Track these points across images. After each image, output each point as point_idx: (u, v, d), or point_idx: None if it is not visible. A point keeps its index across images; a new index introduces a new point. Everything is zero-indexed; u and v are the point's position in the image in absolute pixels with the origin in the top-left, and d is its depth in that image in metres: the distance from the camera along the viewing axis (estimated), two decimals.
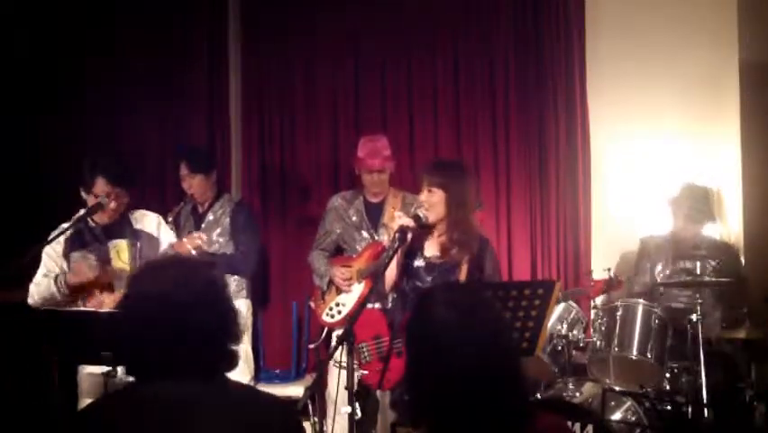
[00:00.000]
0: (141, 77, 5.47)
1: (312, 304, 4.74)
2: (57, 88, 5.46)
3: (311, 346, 4.86)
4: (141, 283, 1.92)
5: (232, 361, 1.90)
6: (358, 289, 4.50)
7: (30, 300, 3.79)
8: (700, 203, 4.39)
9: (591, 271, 4.24)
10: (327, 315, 4.57)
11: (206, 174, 4.70)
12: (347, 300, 4.52)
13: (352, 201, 4.70)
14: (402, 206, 4.51)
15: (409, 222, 3.48)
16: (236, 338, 1.92)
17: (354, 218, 4.66)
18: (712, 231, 4.65)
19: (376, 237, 4.59)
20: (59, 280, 3.75)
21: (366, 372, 3.58)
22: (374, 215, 4.64)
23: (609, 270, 4.16)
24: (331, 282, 4.59)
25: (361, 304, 3.27)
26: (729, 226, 4.85)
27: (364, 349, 3.65)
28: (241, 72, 5.63)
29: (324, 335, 4.67)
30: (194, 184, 4.69)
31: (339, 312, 4.52)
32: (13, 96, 5.34)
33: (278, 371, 5.12)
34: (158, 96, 5.48)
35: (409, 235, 3.48)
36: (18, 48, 5.41)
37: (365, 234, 4.62)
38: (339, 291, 4.56)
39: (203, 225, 4.72)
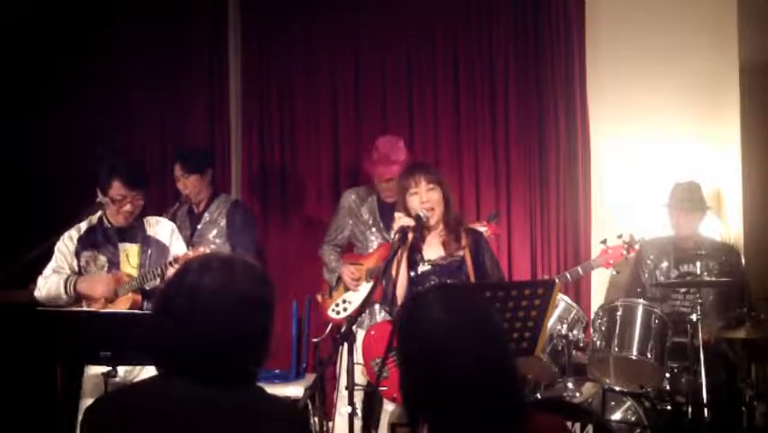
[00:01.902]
0: (141, 77, 5.47)
1: (319, 298, 4.75)
2: (57, 88, 5.46)
3: (315, 340, 4.86)
4: (183, 274, 1.88)
5: (246, 379, 1.86)
6: (366, 288, 4.49)
7: (36, 293, 3.81)
8: (691, 193, 4.40)
9: (605, 240, 4.20)
10: (333, 310, 4.60)
11: (201, 174, 4.67)
12: (354, 298, 4.53)
13: (365, 199, 4.65)
14: None
15: (410, 222, 3.47)
16: (255, 361, 1.87)
17: (366, 217, 4.62)
18: (712, 231, 4.66)
19: (387, 237, 4.57)
20: (69, 282, 3.76)
21: (386, 387, 3.55)
22: (387, 215, 4.57)
23: (621, 235, 4.14)
24: (340, 279, 4.60)
25: (363, 302, 3.24)
26: (729, 226, 4.86)
27: (379, 366, 3.62)
28: (241, 72, 5.64)
29: (328, 330, 4.68)
30: (189, 185, 4.67)
31: (345, 309, 4.53)
32: (13, 96, 5.34)
33: (278, 371, 5.11)
34: (158, 96, 5.49)
35: (410, 236, 3.47)
36: (18, 48, 5.41)
37: (377, 233, 4.60)
38: (347, 288, 4.57)
39: (199, 227, 4.71)
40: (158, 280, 3.75)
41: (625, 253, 4.09)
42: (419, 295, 2.01)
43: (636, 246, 4.14)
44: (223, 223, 4.70)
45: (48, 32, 5.50)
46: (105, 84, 5.46)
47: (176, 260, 3.67)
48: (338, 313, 4.57)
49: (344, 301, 4.57)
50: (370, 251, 4.59)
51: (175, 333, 1.82)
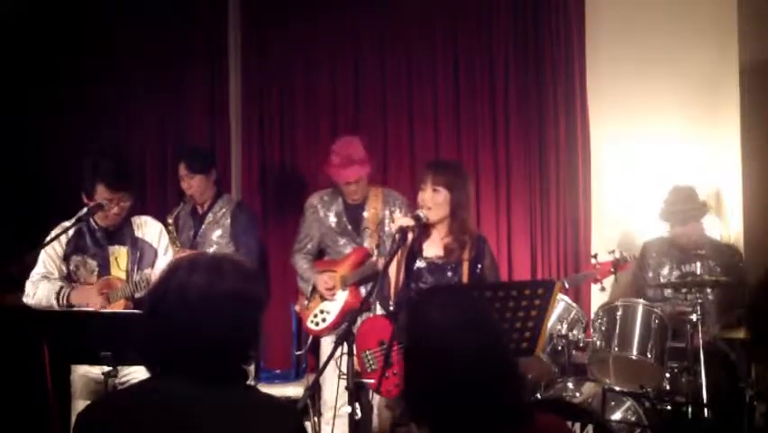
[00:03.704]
0: (141, 77, 5.47)
1: (297, 308, 4.71)
2: (57, 88, 5.46)
3: (298, 353, 4.84)
4: (172, 274, 1.89)
5: (237, 376, 1.86)
6: (342, 296, 4.46)
7: (25, 299, 3.77)
8: (687, 203, 4.38)
9: (596, 255, 4.21)
10: (312, 322, 4.53)
11: (206, 174, 4.67)
12: (331, 308, 4.48)
13: (330, 203, 4.58)
14: (383, 204, 4.48)
15: (409, 222, 3.47)
16: (246, 358, 1.87)
17: (333, 221, 4.57)
18: (713, 231, 4.65)
19: (357, 240, 4.54)
20: (62, 295, 3.71)
21: (373, 380, 3.55)
22: (355, 217, 4.54)
23: (614, 251, 4.14)
24: (315, 289, 4.54)
25: (352, 312, 3.23)
26: (729, 226, 4.86)
27: (369, 357, 3.63)
28: (241, 72, 5.63)
29: (309, 341, 4.64)
30: (193, 184, 4.66)
31: (323, 320, 4.48)
32: (13, 96, 5.34)
33: (278, 371, 5.12)
34: (158, 96, 5.48)
35: (410, 236, 3.47)
36: (18, 47, 5.41)
37: (346, 237, 4.54)
38: (323, 298, 4.51)
39: (202, 227, 4.71)
40: (143, 291, 3.74)
41: (612, 270, 4.11)
42: (422, 294, 2.03)
43: (627, 264, 4.15)
44: (227, 223, 4.69)
45: (48, 32, 5.50)
46: (105, 84, 5.46)
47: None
48: (317, 324, 4.51)
49: (322, 312, 4.51)
50: (343, 255, 4.54)
51: (165, 332, 1.82)
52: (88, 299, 3.70)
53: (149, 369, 1.88)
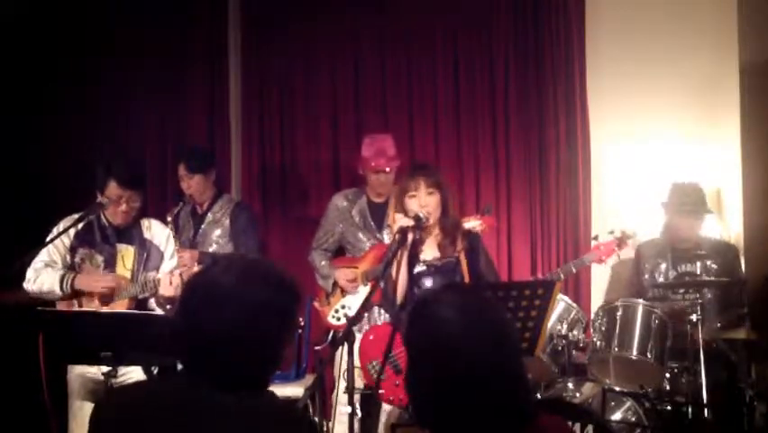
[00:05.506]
0: (142, 77, 5.47)
1: (316, 305, 4.72)
2: (57, 88, 5.46)
3: (317, 348, 4.84)
4: (207, 271, 1.89)
5: (253, 383, 1.85)
6: (364, 291, 4.47)
7: (26, 285, 3.76)
8: (690, 197, 4.38)
9: (597, 237, 4.21)
10: (333, 317, 4.56)
11: (205, 174, 4.68)
12: (353, 302, 4.49)
13: (354, 201, 4.66)
14: None
15: (409, 222, 3.47)
16: (258, 366, 1.85)
17: (357, 218, 4.62)
18: (712, 231, 4.65)
19: (379, 237, 4.57)
20: (66, 281, 3.72)
21: (382, 390, 3.54)
22: (378, 215, 4.60)
23: (613, 231, 4.14)
24: (336, 284, 4.57)
25: (363, 305, 3.23)
26: (729, 226, 4.86)
27: (376, 367, 3.61)
28: (241, 72, 5.63)
29: (330, 337, 4.66)
30: (192, 184, 4.66)
31: (345, 315, 4.50)
32: (13, 96, 5.34)
33: (278, 371, 5.10)
34: (158, 96, 5.48)
35: (410, 236, 3.47)
36: (18, 47, 5.41)
37: (368, 234, 4.59)
38: (344, 293, 4.54)
39: (202, 226, 4.71)
40: (148, 293, 3.75)
41: (616, 248, 4.11)
42: (432, 294, 1.99)
43: (629, 241, 4.14)
44: (227, 223, 4.70)
45: (48, 32, 5.50)
46: (105, 84, 5.46)
47: (172, 274, 3.68)
48: (339, 319, 4.54)
49: (343, 307, 4.53)
50: (363, 252, 4.58)
51: (184, 326, 1.83)
52: (95, 285, 3.71)
53: (146, 371, 1.89)
